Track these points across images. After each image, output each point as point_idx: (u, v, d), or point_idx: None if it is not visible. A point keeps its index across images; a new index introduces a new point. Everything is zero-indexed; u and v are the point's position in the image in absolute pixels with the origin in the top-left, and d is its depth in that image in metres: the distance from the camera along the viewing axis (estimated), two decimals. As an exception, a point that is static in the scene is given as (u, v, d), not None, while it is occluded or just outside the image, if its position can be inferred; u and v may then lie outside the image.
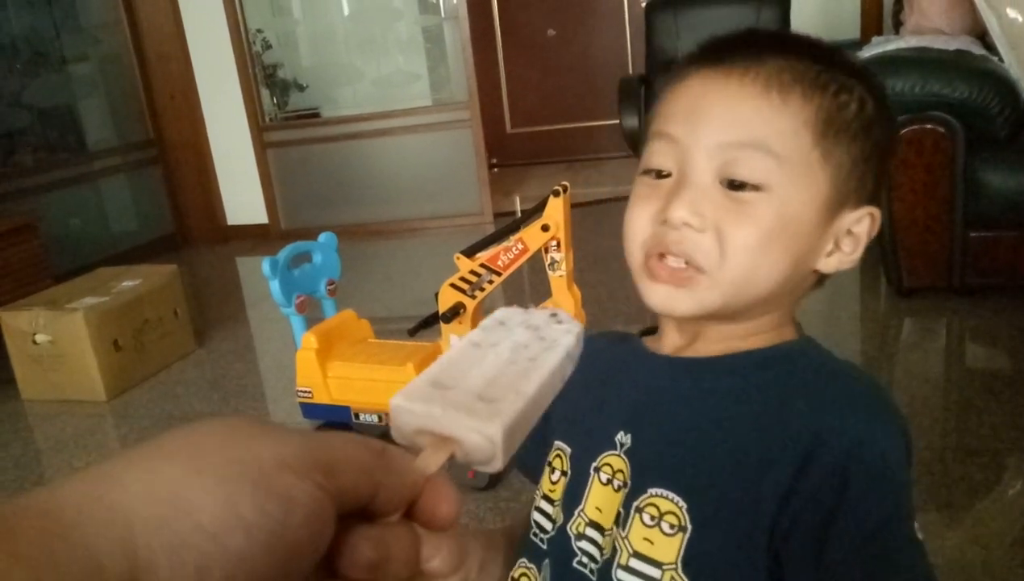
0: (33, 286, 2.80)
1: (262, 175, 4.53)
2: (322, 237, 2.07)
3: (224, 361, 3.01)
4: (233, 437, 0.31)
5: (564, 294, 1.72)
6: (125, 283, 2.82)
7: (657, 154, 0.60)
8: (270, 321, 3.44)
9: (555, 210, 1.69)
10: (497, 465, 0.39)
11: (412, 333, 1.89)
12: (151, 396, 2.67)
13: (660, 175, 0.60)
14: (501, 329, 0.49)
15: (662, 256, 0.58)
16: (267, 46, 4.65)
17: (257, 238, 4.61)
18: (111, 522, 0.26)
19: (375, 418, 1.92)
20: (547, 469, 0.71)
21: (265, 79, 4.59)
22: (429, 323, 1.89)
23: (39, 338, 2.62)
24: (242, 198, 4.63)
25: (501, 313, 0.51)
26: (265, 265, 1.93)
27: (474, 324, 1.84)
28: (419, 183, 4.42)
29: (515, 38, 5.72)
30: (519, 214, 1.81)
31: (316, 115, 4.69)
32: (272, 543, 0.28)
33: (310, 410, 1.99)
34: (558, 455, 0.70)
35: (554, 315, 0.51)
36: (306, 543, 0.29)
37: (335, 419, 1.98)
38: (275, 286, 1.94)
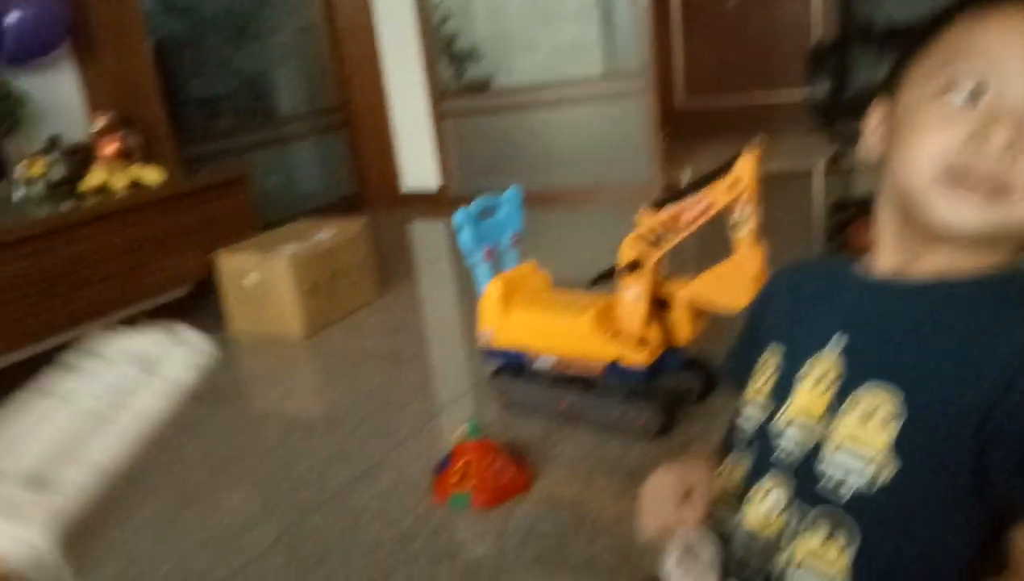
0: (243, 234, 3.11)
1: (438, 143, 4.75)
2: (508, 192, 2.18)
3: (403, 310, 3.22)
4: None
5: (749, 251, 1.74)
6: (322, 234, 3.08)
7: (966, 76, 0.62)
8: (443, 279, 3.64)
9: (746, 166, 1.71)
10: (48, 574, 0.31)
11: (591, 285, 1.98)
12: (341, 337, 2.91)
13: (973, 95, 0.62)
14: (97, 365, 0.42)
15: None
16: (446, 17, 4.85)
17: (429, 204, 4.84)
18: None
19: (549, 362, 2.03)
20: (757, 373, 0.78)
21: (444, 49, 4.79)
22: (608, 276, 1.97)
23: (248, 279, 2.91)
24: (417, 164, 4.88)
25: (96, 347, 0.43)
26: (457, 215, 2.07)
27: (653, 280, 1.90)
28: (589, 153, 4.50)
29: (692, 7, 5.65)
30: (688, 185, 1.85)
31: (489, 84, 4.85)
32: None
33: (490, 353, 2.13)
34: (772, 354, 0.77)
35: (172, 335, 0.45)
36: None
37: (512, 362, 2.10)
38: (465, 235, 2.07)
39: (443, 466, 1.85)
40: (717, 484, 0.78)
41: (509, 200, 2.19)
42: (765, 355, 0.78)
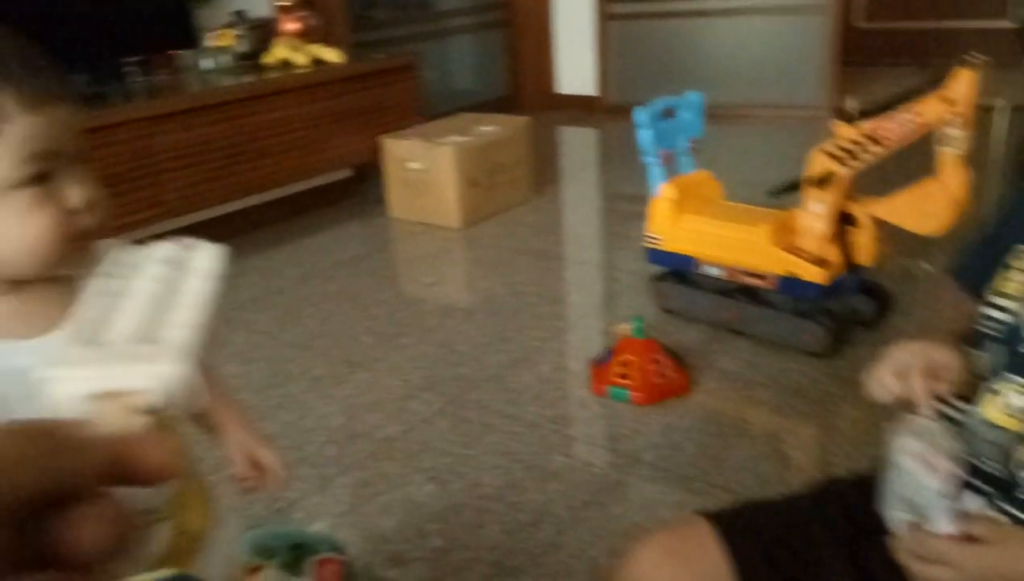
0: (408, 121, 3.18)
1: (599, 47, 4.65)
2: (690, 95, 2.12)
3: (556, 211, 3.24)
4: None
5: (956, 171, 1.64)
6: (484, 128, 3.10)
7: None
8: (594, 185, 3.62)
9: (963, 82, 1.60)
10: (190, 401, 0.39)
11: (774, 195, 1.92)
12: (496, 231, 2.97)
13: None
14: (128, 271, 0.46)
15: None
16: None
17: (583, 109, 4.78)
18: None
19: (717, 271, 2.00)
20: (1002, 271, 0.77)
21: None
22: (792, 188, 1.90)
23: (412, 165, 2.99)
24: (575, 68, 4.81)
25: (125, 256, 0.47)
26: (639, 113, 2.03)
27: (843, 196, 1.83)
28: (758, 68, 4.30)
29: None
30: (858, 114, 1.73)
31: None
32: None
33: (656, 256, 2.11)
34: (1020, 256, 0.76)
35: (189, 247, 0.49)
36: None
37: (679, 266, 2.08)
38: (645, 134, 2.04)
39: (603, 359, 1.88)
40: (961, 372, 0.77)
41: (691, 104, 2.13)
42: (1015, 256, 0.76)
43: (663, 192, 2.06)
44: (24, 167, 0.65)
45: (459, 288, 2.59)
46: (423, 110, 3.32)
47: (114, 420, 0.35)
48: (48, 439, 0.29)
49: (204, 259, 0.47)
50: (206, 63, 2.96)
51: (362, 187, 3.40)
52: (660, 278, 2.16)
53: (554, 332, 2.16)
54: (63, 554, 0.28)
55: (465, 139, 2.97)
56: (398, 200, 3.10)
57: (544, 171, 3.59)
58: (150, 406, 0.36)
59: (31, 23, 2.39)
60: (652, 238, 2.10)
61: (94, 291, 0.43)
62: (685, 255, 2.05)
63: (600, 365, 1.87)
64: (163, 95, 2.68)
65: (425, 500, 1.52)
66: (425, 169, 2.96)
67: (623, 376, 1.81)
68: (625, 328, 1.86)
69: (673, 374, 1.82)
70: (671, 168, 2.10)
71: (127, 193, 2.41)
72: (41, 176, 0.67)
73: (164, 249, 0.48)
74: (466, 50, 4.94)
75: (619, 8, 4.58)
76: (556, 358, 2.02)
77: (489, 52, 4.98)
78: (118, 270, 0.45)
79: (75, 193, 0.69)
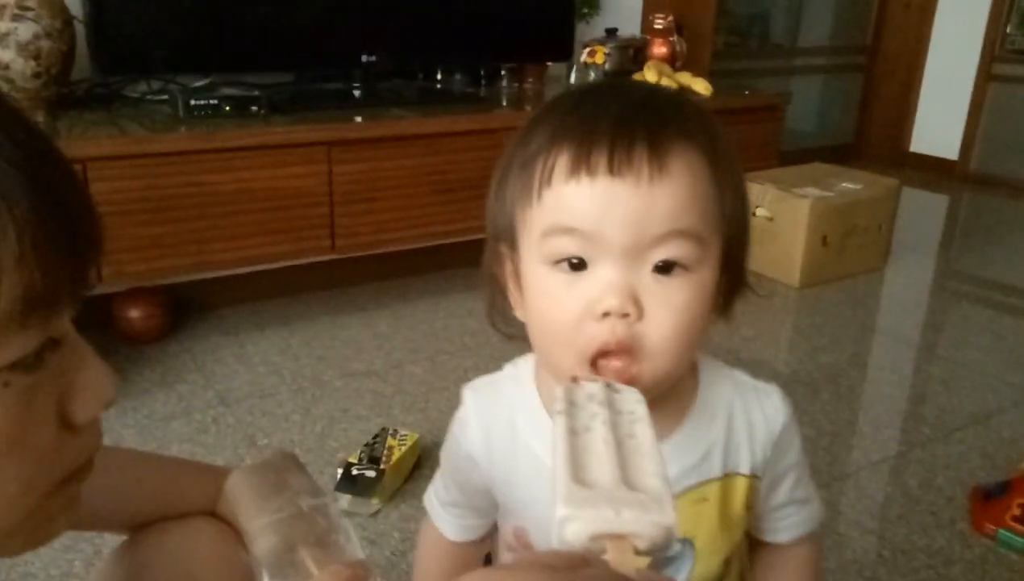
0: (765, 163, 3.00)
1: (972, 108, 4.14)
2: None
3: (912, 286, 2.90)
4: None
5: None
6: (846, 184, 2.84)
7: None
8: (952, 263, 3.20)
9: None
10: (675, 547, 0.46)
11: None
12: (839, 298, 2.70)
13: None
14: (578, 411, 0.48)
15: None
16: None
17: (936, 173, 4.29)
18: None
19: None
20: None
21: (1017, 5, 4.09)
22: None
23: (760, 212, 2.80)
24: (938, 126, 4.32)
25: (565, 393, 0.50)
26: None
27: None
28: None
29: None
30: None
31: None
32: None
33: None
34: None
35: (608, 386, 0.51)
36: None
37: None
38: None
39: (993, 493, 1.59)
40: None
41: None
42: None
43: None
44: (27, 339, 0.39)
45: (798, 356, 2.38)
46: (777, 154, 3.12)
47: (624, 563, 0.38)
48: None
49: (634, 403, 0.50)
50: (575, 77, 2.99)
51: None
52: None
53: (919, 439, 1.89)
54: None
55: (824, 194, 2.73)
56: (734, 244, 2.93)
57: (896, 238, 3.24)
58: (641, 550, 0.39)
59: (426, 14, 2.54)
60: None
61: (561, 429, 0.46)
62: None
63: (989, 499, 1.59)
64: (530, 103, 2.74)
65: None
66: (773, 218, 2.76)
67: (1020, 520, 1.51)
68: (1032, 465, 1.57)
69: (1086, 535, 1.49)
70: None
71: (471, 200, 2.39)
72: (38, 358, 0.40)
73: (591, 387, 0.51)
74: (815, 91, 4.64)
75: (1005, 69, 4.04)
76: (924, 472, 1.76)
77: (840, 96, 4.64)
78: (566, 407, 0.49)
79: (92, 391, 0.43)
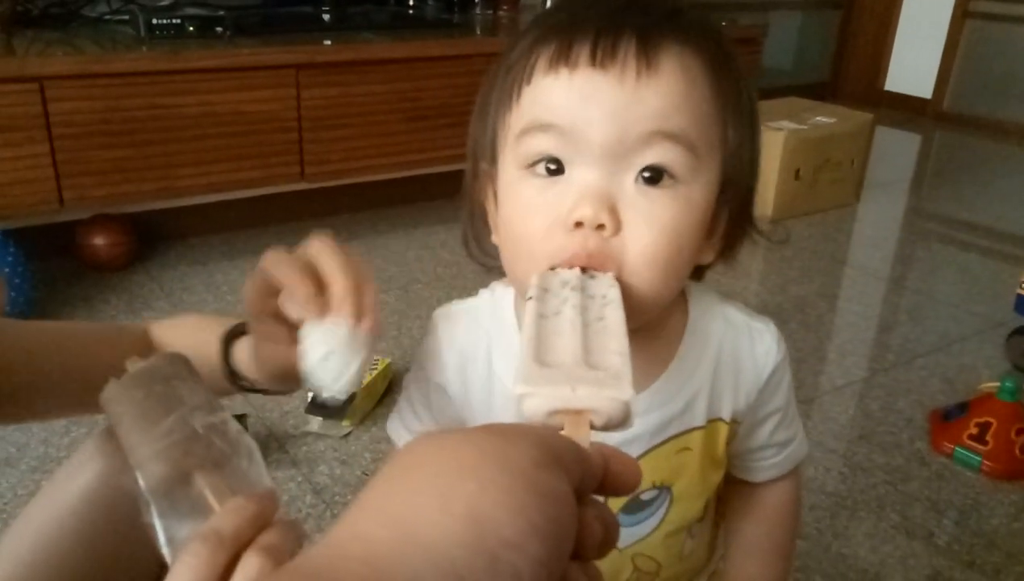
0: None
1: (947, 45, 4.13)
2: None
3: (883, 222, 2.93)
4: (486, 445, 0.31)
5: None
6: (820, 118, 2.84)
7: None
8: (924, 200, 3.23)
9: None
10: (633, 423, 0.40)
11: None
12: (811, 232, 2.72)
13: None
14: (550, 296, 0.47)
15: None
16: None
17: (910, 112, 4.30)
18: (430, 560, 0.26)
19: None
20: None
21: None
22: None
23: (733, 145, 2.80)
24: (912, 65, 4.32)
25: (538, 280, 0.49)
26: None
27: None
28: None
29: None
30: None
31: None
32: (557, 542, 0.29)
33: (1028, 307, 1.81)
34: None
35: (584, 271, 0.49)
36: (572, 534, 0.31)
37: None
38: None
39: (951, 414, 1.64)
40: None
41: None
42: None
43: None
44: None
45: (769, 288, 2.40)
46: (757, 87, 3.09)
47: (580, 437, 0.38)
48: (571, 448, 0.34)
49: (607, 287, 0.49)
50: (550, 4, 2.93)
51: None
52: (1017, 333, 1.85)
53: (883, 365, 1.93)
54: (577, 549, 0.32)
55: (798, 127, 2.72)
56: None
57: (863, 175, 3.26)
58: (598, 426, 0.40)
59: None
60: (1032, 286, 1.79)
61: (530, 314, 0.46)
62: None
63: (947, 420, 1.63)
64: (503, 31, 2.69)
65: (739, 523, 1.39)
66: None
67: (976, 439, 1.56)
68: (990, 386, 1.60)
69: (1039, 453, 1.54)
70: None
71: (443, 128, 2.37)
72: None
73: (565, 275, 0.49)
74: (790, 27, 4.59)
75: (982, 6, 4.03)
76: (886, 396, 1.79)
77: (815, 34, 4.60)
78: (538, 294, 0.48)
79: None
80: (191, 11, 2.14)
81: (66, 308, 1.94)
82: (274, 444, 1.51)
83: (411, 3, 2.79)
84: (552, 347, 0.43)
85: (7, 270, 1.78)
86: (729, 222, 0.57)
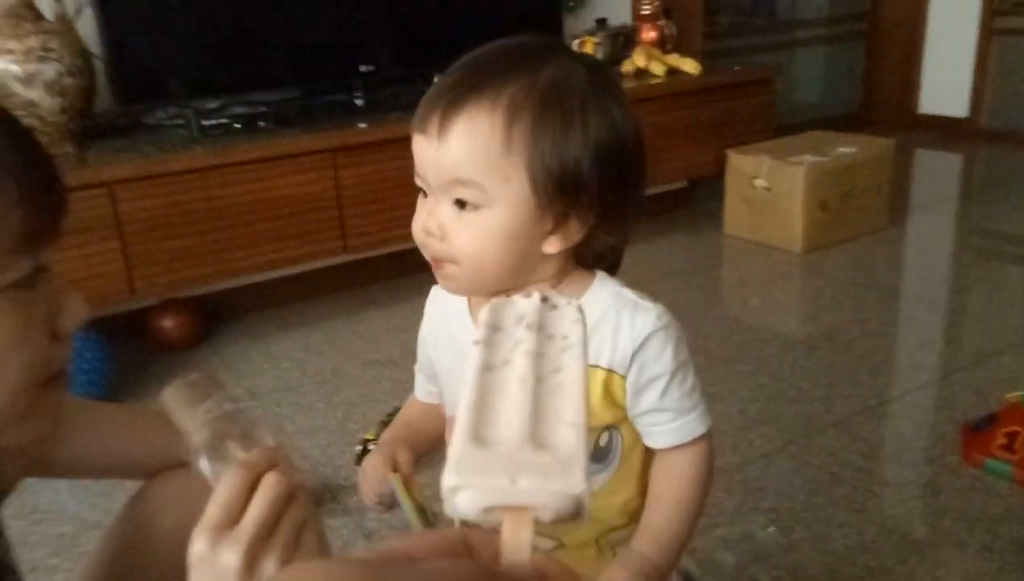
0: (758, 136, 3.07)
1: (977, 64, 4.14)
2: None
3: (915, 244, 2.95)
4: None
5: None
6: (842, 149, 2.90)
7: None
8: (959, 219, 3.24)
9: None
10: (585, 516, 0.34)
11: None
12: (842, 260, 2.76)
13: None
14: (501, 337, 0.42)
15: None
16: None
17: (947, 132, 4.30)
18: None
19: None
20: None
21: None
22: None
23: (757, 183, 2.88)
24: (944, 86, 4.33)
25: (489, 315, 0.43)
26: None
27: None
28: None
29: None
30: None
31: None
32: None
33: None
34: None
35: (545, 300, 0.44)
36: None
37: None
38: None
39: (980, 426, 1.66)
40: None
41: None
42: None
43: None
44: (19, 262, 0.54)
45: (799, 318, 2.45)
46: (772, 125, 3.18)
47: (520, 542, 0.34)
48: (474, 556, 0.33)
49: (569, 324, 0.43)
50: (568, 69, 3.09)
51: (695, 198, 3.36)
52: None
53: (914, 383, 1.96)
54: None
55: (819, 159, 2.79)
56: (735, 217, 3.00)
57: (901, 198, 3.28)
58: (546, 522, 0.34)
59: (417, 22, 2.67)
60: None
61: (474, 366, 0.40)
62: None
63: (977, 432, 1.65)
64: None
65: (767, 543, 1.44)
66: (771, 188, 2.83)
67: (1006, 448, 1.58)
68: (1018, 396, 1.63)
69: (1070, 458, 1.55)
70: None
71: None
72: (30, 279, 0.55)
73: (524, 305, 0.45)
74: (817, 62, 4.67)
75: (1007, 22, 4.04)
76: (917, 414, 1.83)
77: (843, 65, 4.67)
78: (487, 335, 0.42)
79: (73, 310, 0.59)
80: (237, 109, 2.36)
81: (140, 387, 2.12)
82: (327, 495, 1.63)
83: (436, 80, 2.98)
84: (494, 415, 0.38)
85: (89, 355, 1.98)
86: (562, 211, 0.72)
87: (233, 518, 0.54)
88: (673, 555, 0.78)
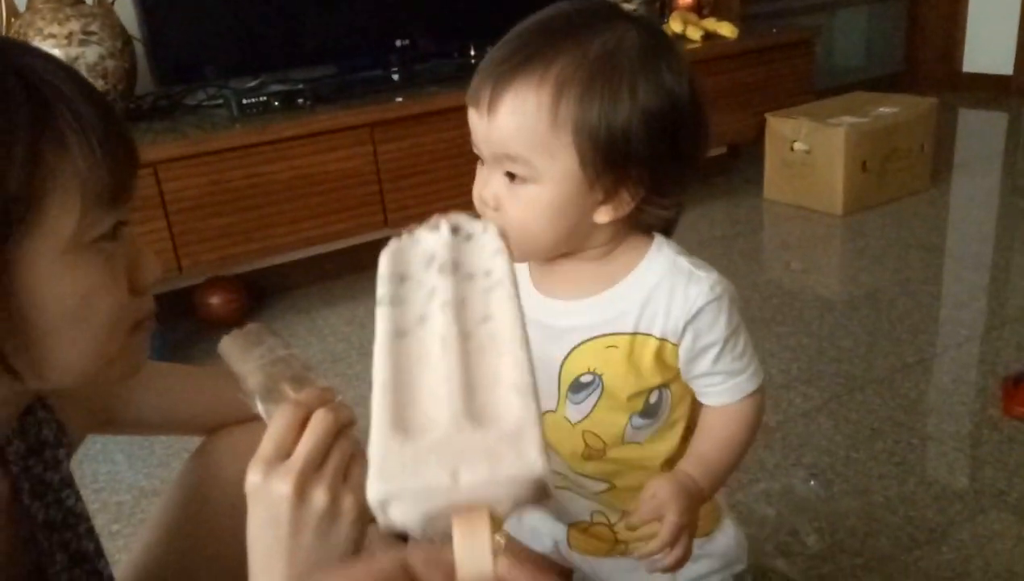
0: (796, 99, 3.03)
1: (1022, 19, 4.02)
2: None
3: (958, 204, 2.91)
4: None
5: None
6: (882, 109, 2.85)
7: None
8: (1003, 178, 3.17)
9: None
10: (551, 496, 0.27)
11: None
12: (884, 221, 2.73)
13: None
14: (410, 289, 0.33)
15: None
16: None
17: (994, 90, 4.19)
18: None
19: None
20: None
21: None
22: None
23: (797, 146, 2.85)
24: (988, 44, 4.22)
25: (390, 262, 0.34)
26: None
27: None
28: None
29: None
30: None
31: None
32: None
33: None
34: None
35: (456, 231, 0.36)
36: None
37: None
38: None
39: (1021, 379, 1.65)
40: None
41: None
42: None
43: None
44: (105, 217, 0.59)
45: (840, 279, 2.43)
46: (812, 88, 3.14)
47: (476, 549, 0.27)
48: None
49: (490, 254, 0.35)
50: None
51: (734, 165, 3.33)
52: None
53: (955, 340, 1.94)
54: None
55: (859, 120, 2.75)
56: (775, 181, 2.98)
57: (945, 159, 3.22)
58: (504, 515, 0.28)
59: None
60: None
61: (381, 334, 0.33)
62: None
63: (1018, 384, 1.64)
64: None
65: (807, 496, 1.46)
66: (811, 150, 2.80)
67: (1048, 402, 1.57)
68: (1058, 347, 1.61)
69: (1117, 409, 1.54)
70: None
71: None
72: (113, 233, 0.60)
73: (431, 242, 0.37)
74: (859, 22, 4.57)
75: (1056, -27, 3.92)
76: (958, 369, 1.81)
77: (885, 25, 4.56)
78: (391, 292, 0.34)
79: (148, 265, 0.64)
80: (275, 88, 2.40)
81: (189, 363, 2.19)
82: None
83: (473, 54, 2.99)
84: (416, 391, 0.30)
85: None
86: (613, 181, 0.72)
87: (285, 451, 0.58)
88: (716, 481, 0.80)
